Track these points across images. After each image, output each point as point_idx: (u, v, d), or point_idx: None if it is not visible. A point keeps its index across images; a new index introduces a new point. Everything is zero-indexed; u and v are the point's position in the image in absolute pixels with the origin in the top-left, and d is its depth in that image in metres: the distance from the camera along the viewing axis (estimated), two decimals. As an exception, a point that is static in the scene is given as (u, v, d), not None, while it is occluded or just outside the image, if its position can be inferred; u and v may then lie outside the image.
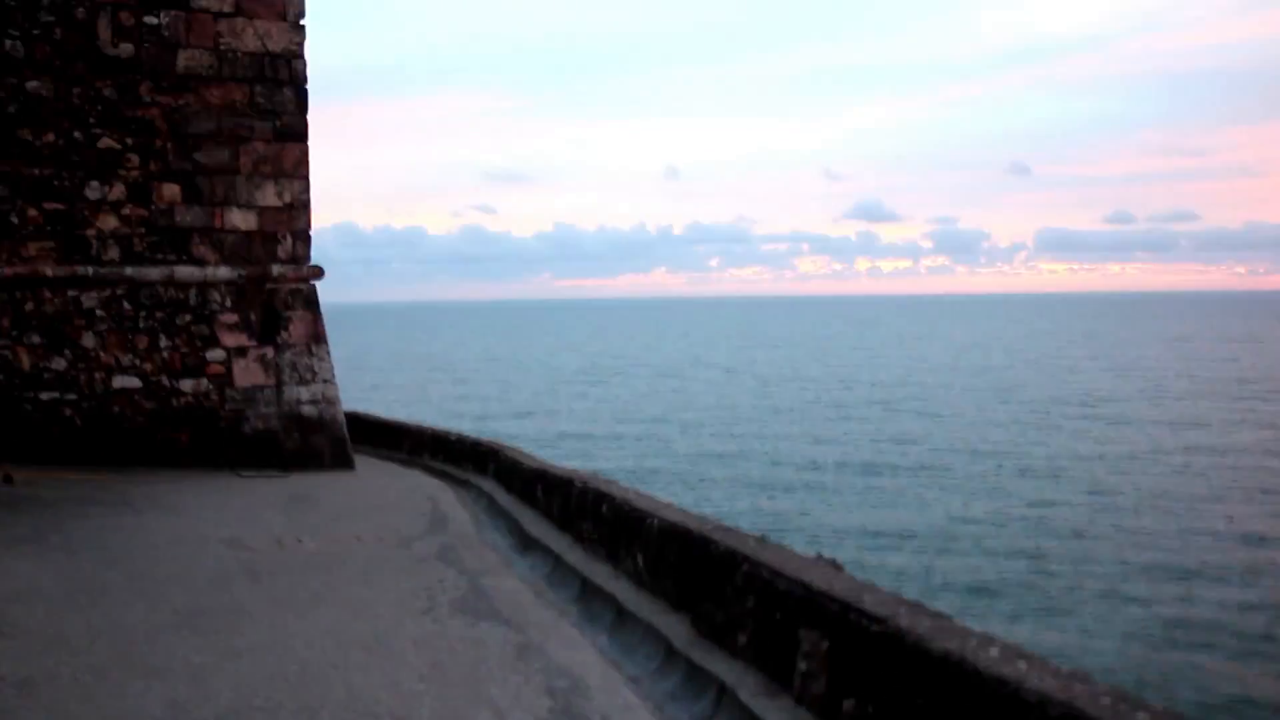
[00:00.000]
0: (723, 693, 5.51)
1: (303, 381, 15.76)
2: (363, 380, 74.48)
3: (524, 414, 58.14)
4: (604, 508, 8.94)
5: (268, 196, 15.73)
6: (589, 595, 8.13)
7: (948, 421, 51.11)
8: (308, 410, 15.71)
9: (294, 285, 15.95)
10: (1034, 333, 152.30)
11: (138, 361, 14.94)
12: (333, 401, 15.95)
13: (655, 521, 7.63)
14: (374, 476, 15.08)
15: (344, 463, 15.61)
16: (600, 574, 8.35)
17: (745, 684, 5.40)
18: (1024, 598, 22.20)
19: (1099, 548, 26.08)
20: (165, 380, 15.03)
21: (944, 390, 67.14)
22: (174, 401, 15.06)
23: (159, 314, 15.09)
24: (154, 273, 15.07)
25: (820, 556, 6.82)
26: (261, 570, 8.62)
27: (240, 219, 15.58)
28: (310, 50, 15.88)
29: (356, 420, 18.34)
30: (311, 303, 16.07)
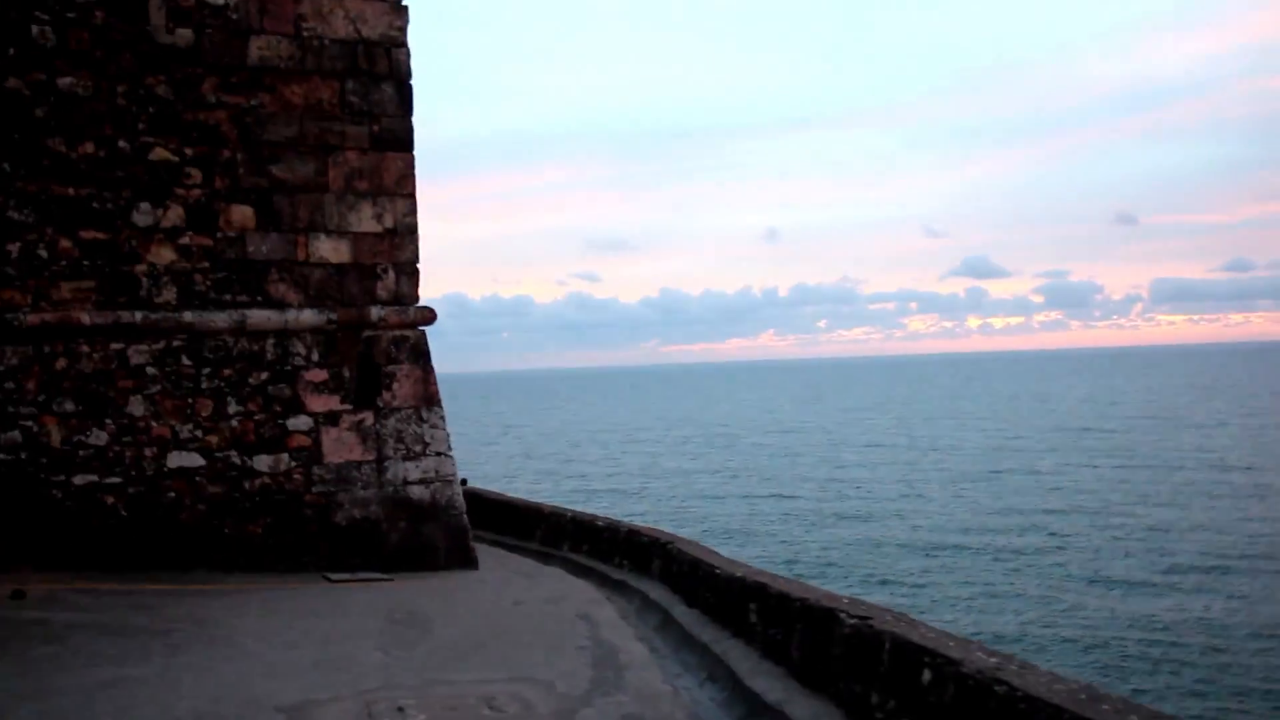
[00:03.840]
0: None
1: (411, 455, 12.24)
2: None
3: (591, 489, 53.07)
4: (925, 674, 5.12)
5: (364, 220, 12.36)
6: None
7: (1078, 496, 45.43)
8: (417, 492, 12.17)
9: (398, 332, 12.50)
10: (1169, 387, 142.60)
11: (200, 433, 11.57)
12: (449, 480, 12.36)
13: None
14: (503, 579, 11.38)
15: (464, 561, 11.98)
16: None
17: None
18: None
19: None
20: (235, 456, 11.64)
21: (1080, 456, 60.53)
22: (246, 484, 11.63)
23: (227, 371, 11.74)
24: (221, 319, 11.74)
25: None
26: (335, 793, 4.96)
27: (329, 249, 12.22)
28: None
29: (476, 500, 14.76)
30: (421, 354, 12.60)
